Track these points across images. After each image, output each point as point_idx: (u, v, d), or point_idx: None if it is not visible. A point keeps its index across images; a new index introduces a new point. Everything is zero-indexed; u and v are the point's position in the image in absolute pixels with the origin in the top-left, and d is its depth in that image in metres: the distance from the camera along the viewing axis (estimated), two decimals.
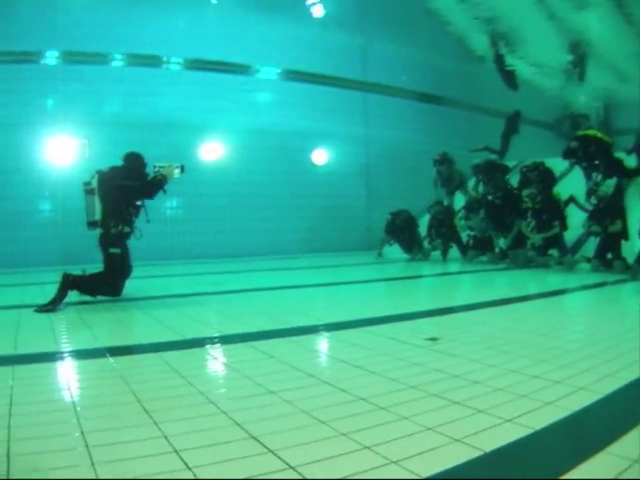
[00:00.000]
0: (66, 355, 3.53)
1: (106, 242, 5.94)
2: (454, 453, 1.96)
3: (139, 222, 6.08)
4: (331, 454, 1.93)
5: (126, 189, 5.88)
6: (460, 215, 10.99)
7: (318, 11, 13.59)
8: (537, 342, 3.76)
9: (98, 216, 5.95)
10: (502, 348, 3.57)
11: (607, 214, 8.10)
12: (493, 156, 12.68)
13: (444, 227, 11.13)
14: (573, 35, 13.06)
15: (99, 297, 5.86)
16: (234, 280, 8.23)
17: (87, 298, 5.82)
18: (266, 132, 12.80)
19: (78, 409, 2.43)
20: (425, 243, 11.58)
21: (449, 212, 11.26)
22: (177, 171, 6.10)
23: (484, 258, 10.51)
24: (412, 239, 11.46)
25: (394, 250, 11.81)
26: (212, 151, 12.31)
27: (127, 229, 5.97)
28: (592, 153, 8.70)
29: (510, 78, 14.81)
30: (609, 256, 8.26)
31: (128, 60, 11.46)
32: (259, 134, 12.73)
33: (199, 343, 3.83)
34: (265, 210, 12.90)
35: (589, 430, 2.28)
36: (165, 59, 11.96)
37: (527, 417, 2.33)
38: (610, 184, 8.37)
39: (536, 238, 9.11)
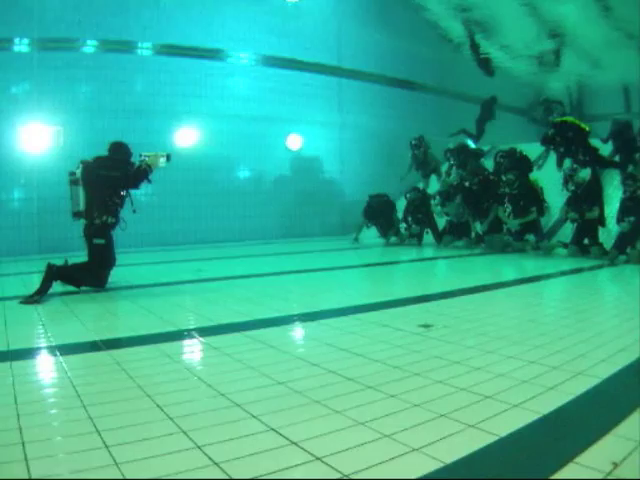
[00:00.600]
0: (62, 349, 3.46)
1: (90, 233, 5.85)
2: (472, 438, 2.03)
3: (125, 212, 6.01)
4: (354, 443, 1.97)
5: (109, 179, 5.79)
6: (435, 201, 11.03)
7: None
8: (527, 328, 3.86)
9: (82, 207, 5.85)
10: (494, 334, 3.66)
11: (584, 200, 8.25)
12: (468, 140, 12.81)
13: (420, 213, 11.22)
14: (550, 22, 13.24)
15: (83, 287, 5.79)
16: (215, 267, 8.17)
17: (71, 288, 5.71)
18: (241, 117, 12.73)
19: (88, 407, 2.41)
20: (401, 228, 11.65)
21: (425, 198, 11.33)
22: (162, 160, 6.00)
23: (460, 243, 10.63)
24: (389, 223, 11.55)
25: (369, 234, 11.93)
26: (186, 137, 12.17)
27: (112, 220, 5.87)
28: (570, 139, 8.83)
29: (486, 64, 14.99)
30: (586, 241, 8.44)
31: (102, 46, 11.22)
32: (234, 119, 12.65)
33: (195, 333, 3.82)
34: (240, 196, 12.85)
35: (594, 413, 2.37)
36: (139, 45, 11.72)
37: (533, 402, 2.42)
38: (587, 171, 8.52)
39: (513, 223, 9.24)
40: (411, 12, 14.26)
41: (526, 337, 3.58)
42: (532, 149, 10.61)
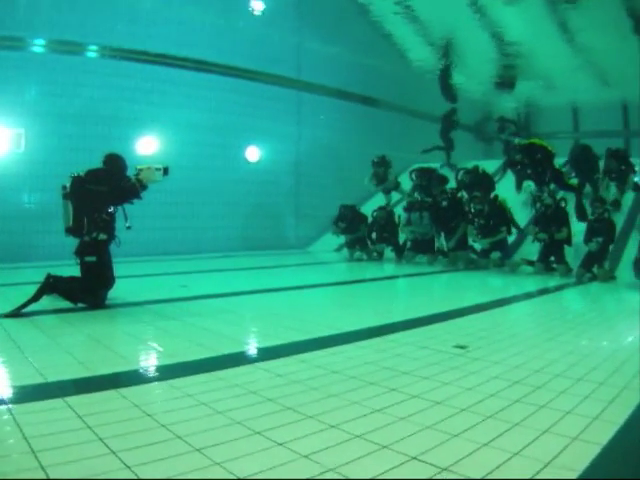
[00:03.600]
0: (114, 379, 3.23)
1: (80, 250, 5.66)
2: (581, 451, 2.28)
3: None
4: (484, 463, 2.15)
5: (97, 194, 5.57)
6: (403, 221, 11.28)
7: (258, 6, 13.59)
8: (551, 347, 4.13)
9: (72, 222, 5.60)
10: (529, 352, 3.92)
11: (553, 221, 8.72)
12: (437, 165, 13.30)
13: (386, 232, 11.52)
14: (509, 48, 13.95)
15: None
16: (198, 283, 7.99)
17: (64, 304, 5.49)
18: (198, 127, 12.66)
19: (202, 450, 2.29)
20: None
21: (391, 217, 11.63)
22: (159, 174, 5.74)
23: (423, 259, 10.93)
24: (357, 237, 11.76)
25: (324, 246, 12.58)
26: (144, 145, 11.92)
27: (103, 236, 5.65)
28: (538, 160, 9.33)
29: (450, 91, 15.64)
30: (551, 259, 8.92)
31: (58, 48, 10.85)
32: (191, 129, 12.57)
33: (242, 358, 3.76)
34: (196, 206, 12.74)
35: None
36: (93, 48, 11.39)
37: (609, 413, 2.73)
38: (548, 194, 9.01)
39: (483, 242, 9.64)
40: (372, 30, 14.71)
41: (556, 355, 3.85)
42: (485, 165, 11.17)
